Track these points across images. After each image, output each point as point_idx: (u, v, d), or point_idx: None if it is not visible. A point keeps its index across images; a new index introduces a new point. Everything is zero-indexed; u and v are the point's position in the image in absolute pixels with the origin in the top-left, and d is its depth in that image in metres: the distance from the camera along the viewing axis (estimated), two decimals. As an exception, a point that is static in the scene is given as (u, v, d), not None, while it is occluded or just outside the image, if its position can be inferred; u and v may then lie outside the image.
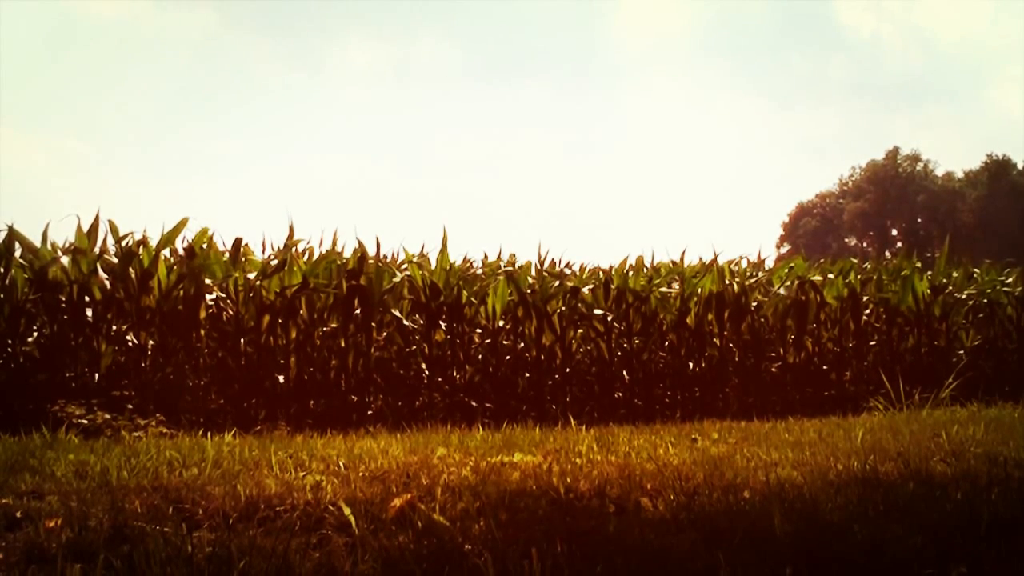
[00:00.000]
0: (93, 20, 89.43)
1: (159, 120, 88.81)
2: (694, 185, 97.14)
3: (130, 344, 8.00)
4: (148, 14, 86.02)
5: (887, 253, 56.68)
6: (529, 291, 9.27)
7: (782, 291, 10.31)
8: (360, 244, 8.84)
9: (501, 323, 9.27)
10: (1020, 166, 63.31)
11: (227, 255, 8.61)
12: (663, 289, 9.86)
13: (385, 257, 9.40)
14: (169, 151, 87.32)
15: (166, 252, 8.29)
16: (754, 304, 10.10)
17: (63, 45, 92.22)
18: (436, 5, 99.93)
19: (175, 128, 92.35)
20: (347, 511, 3.05)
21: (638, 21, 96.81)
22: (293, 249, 8.94)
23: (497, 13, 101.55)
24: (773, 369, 10.22)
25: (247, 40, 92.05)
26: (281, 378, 8.29)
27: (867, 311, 10.55)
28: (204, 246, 8.47)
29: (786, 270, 10.92)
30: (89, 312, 7.92)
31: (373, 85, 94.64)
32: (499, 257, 10.71)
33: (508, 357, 9.36)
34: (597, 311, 9.49)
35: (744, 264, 11.34)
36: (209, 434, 5.72)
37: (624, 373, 9.58)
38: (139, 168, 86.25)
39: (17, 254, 7.91)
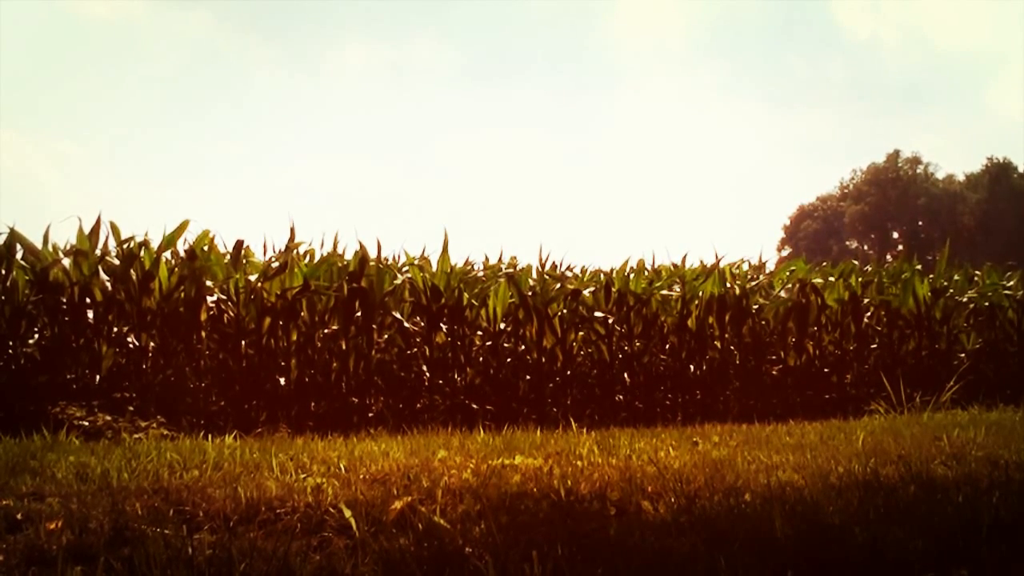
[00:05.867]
0: (90, 21, 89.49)
1: (157, 122, 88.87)
2: (695, 188, 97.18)
3: (131, 346, 8.00)
4: (145, 15, 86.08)
5: (888, 256, 56.66)
6: (530, 293, 9.27)
7: (783, 294, 10.31)
8: (361, 246, 8.85)
9: (502, 325, 9.26)
10: (1021, 169, 63.28)
11: (228, 257, 8.61)
12: (664, 292, 9.86)
13: (386, 259, 9.40)
14: (168, 153, 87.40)
15: (167, 254, 8.30)
16: (755, 307, 10.10)
17: (60, 46, 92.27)
18: (433, 6, 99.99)
19: (173, 130, 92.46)
20: (348, 513, 3.05)
21: (636, 22, 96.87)
22: (294, 251, 8.94)
23: (496, 14, 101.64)
24: (774, 372, 10.21)
25: (244, 41, 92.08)
26: (282, 380, 8.29)
27: (868, 314, 10.54)
28: (205, 248, 8.47)
29: (787, 273, 10.92)
30: (90, 314, 7.93)
31: (371, 86, 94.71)
32: (500, 259, 10.71)
33: (509, 359, 9.36)
34: (598, 313, 9.48)
35: (745, 267, 11.33)
36: (210, 436, 5.73)
37: (625, 376, 9.57)
38: (138, 170, 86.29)
39: (18, 256, 7.92)
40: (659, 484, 3.66)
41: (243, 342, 8.33)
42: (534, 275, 9.89)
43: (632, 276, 9.86)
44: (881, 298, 10.52)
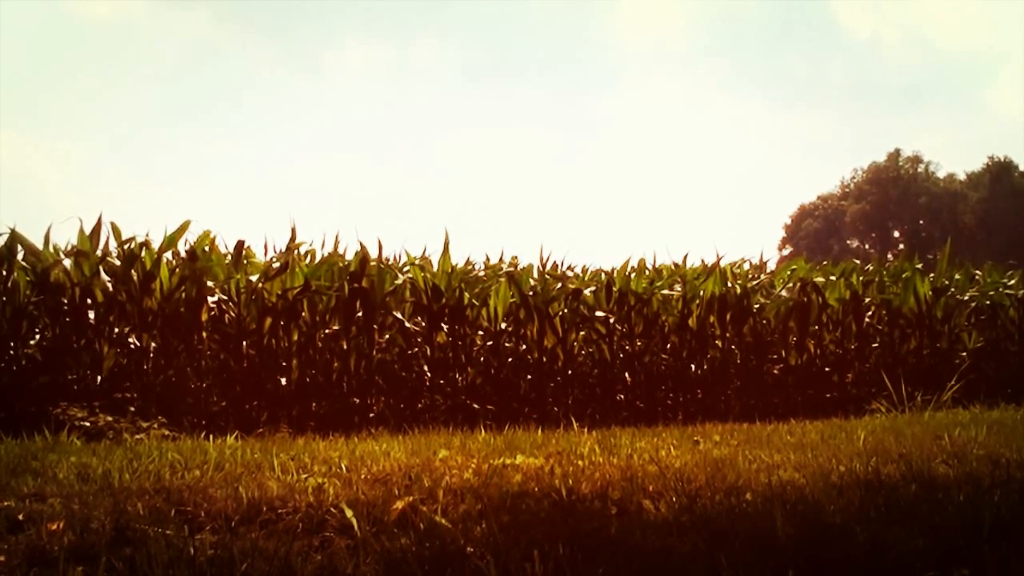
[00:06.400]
0: (90, 21, 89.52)
1: (158, 121, 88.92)
2: (696, 187, 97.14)
3: (132, 346, 8.01)
4: (145, 15, 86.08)
5: (889, 255, 56.61)
6: (531, 293, 9.27)
7: (784, 293, 10.31)
8: (362, 246, 8.85)
9: (503, 325, 9.26)
10: (1022, 168, 63.21)
11: (229, 257, 8.62)
12: (665, 291, 9.85)
13: (387, 259, 9.40)
14: (168, 153, 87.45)
15: (168, 255, 8.31)
16: (756, 306, 10.09)
17: (60, 46, 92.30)
18: (433, 6, 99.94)
19: (174, 129, 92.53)
20: (349, 513, 3.05)
21: (637, 22, 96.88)
22: (295, 251, 8.94)
23: (496, 14, 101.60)
24: (775, 371, 10.20)
25: (244, 41, 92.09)
26: (283, 380, 8.29)
27: (869, 313, 10.53)
28: (206, 248, 8.48)
29: (788, 272, 10.92)
30: (91, 314, 7.93)
31: (371, 86, 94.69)
32: (501, 259, 10.73)
33: (510, 359, 9.36)
34: (599, 313, 9.48)
35: (746, 266, 11.34)
36: (211, 436, 5.73)
37: (626, 375, 9.57)
38: (139, 170, 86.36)
39: (19, 256, 7.92)
40: (660, 483, 3.66)
41: (244, 342, 8.34)
42: (535, 275, 9.90)
43: (633, 276, 9.86)
44: (882, 297, 10.52)
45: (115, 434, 6.11)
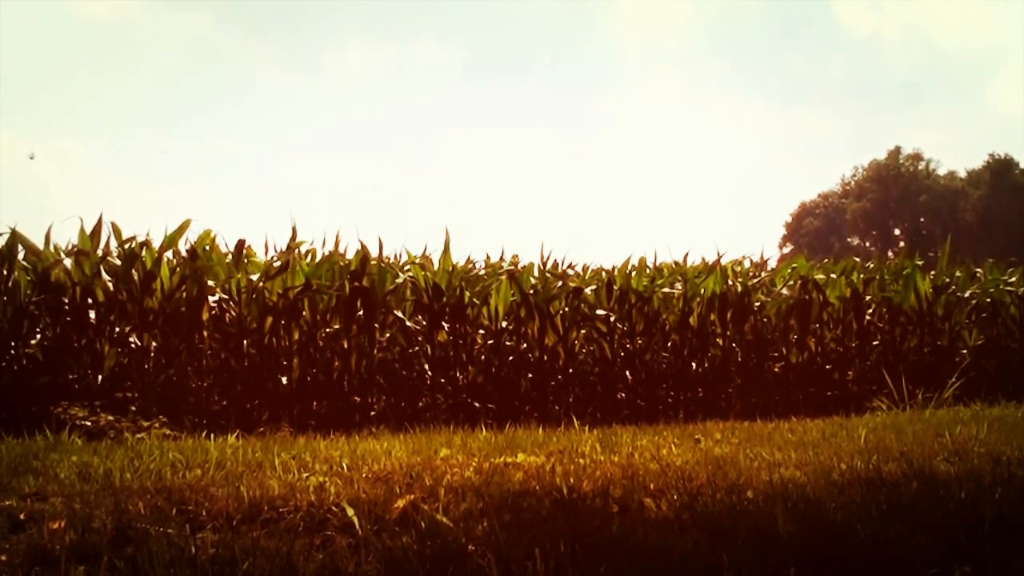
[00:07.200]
0: (89, 21, 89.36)
1: (158, 121, 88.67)
2: (696, 186, 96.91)
3: (133, 346, 8.01)
4: (144, 15, 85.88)
5: (890, 253, 56.55)
6: (532, 292, 9.27)
7: (785, 291, 10.30)
8: (363, 245, 8.85)
9: (504, 324, 9.26)
10: (1023, 165, 63.16)
11: (230, 257, 8.62)
12: (666, 290, 9.85)
13: (388, 258, 9.40)
14: (168, 152, 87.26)
15: (169, 254, 8.31)
16: (757, 304, 10.09)
17: (59, 46, 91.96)
18: (433, 5, 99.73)
19: (174, 129, 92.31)
20: (350, 512, 3.05)
21: (637, 21, 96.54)
22: (296, 251, 8.94)
23: (496, 13, 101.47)
24: (776, 369, 10.20)
25: (244, 41, 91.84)
26: (284, 379, 8.30)
27: (870, 311, 10.53)
28: (207, 248, 8.48)
29: (789, 270, 10.91)
30: (92, 314, 7.93)
31: (371, 86, 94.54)
32: (501, 258, 10.71)
33: (511, 358, 9.36)
34: (600, 312, 9.48)
35: (747, 264, 11.33)
36: (212, 435, 5.72)
37: (627, 374, 9.57)
38: (139, 169, 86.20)
39: (20, 256, 7.92)
40: (661, 481, 3.66)
41: (245, 341, 8.34)
42: (536, 273, 9.89)
43: (634, 274, 9.85)
44: (883, 295, 10.52)
45: (116, 433, 6.10)
